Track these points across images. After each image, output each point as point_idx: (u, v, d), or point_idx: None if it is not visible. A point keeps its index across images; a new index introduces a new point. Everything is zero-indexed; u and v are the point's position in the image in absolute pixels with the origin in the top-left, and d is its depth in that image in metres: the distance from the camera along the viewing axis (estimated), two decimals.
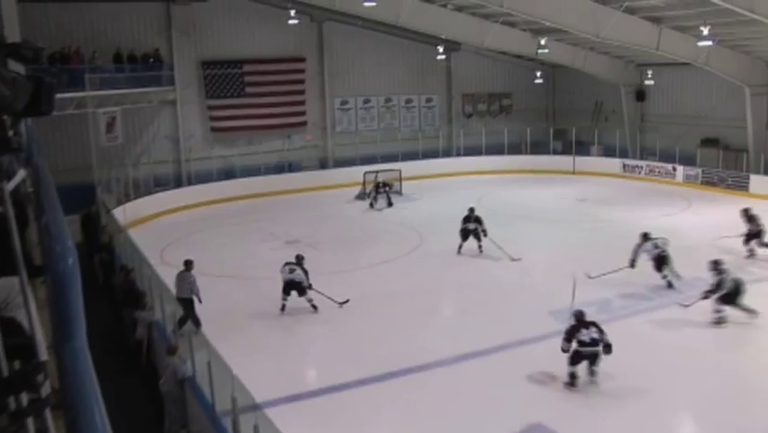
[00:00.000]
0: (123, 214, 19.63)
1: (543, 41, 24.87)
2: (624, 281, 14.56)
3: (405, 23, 26.77)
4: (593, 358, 10.04)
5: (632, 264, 14.48)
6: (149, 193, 23.56)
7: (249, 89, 28.27)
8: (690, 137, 27.05)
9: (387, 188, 24.57)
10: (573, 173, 29.24)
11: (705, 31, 19.50)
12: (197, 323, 12.18)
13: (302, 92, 29.51)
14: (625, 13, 21.37)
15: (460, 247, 16.98)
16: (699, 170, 25.86)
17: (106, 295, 14.01)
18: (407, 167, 27.26)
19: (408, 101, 32.36)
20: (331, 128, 30.65)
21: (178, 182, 26.32)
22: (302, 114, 29.63)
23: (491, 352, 11.41)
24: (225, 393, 7.73)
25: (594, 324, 10.16)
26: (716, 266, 12.34)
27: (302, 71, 29.37)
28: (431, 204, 23.93)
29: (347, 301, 13.82)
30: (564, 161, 29.78)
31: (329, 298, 13.59)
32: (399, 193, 25.49)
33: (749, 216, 16.11)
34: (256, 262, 17.38)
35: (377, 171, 25.87)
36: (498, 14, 24.97)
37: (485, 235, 16.78)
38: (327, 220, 22.34)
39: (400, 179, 25.88)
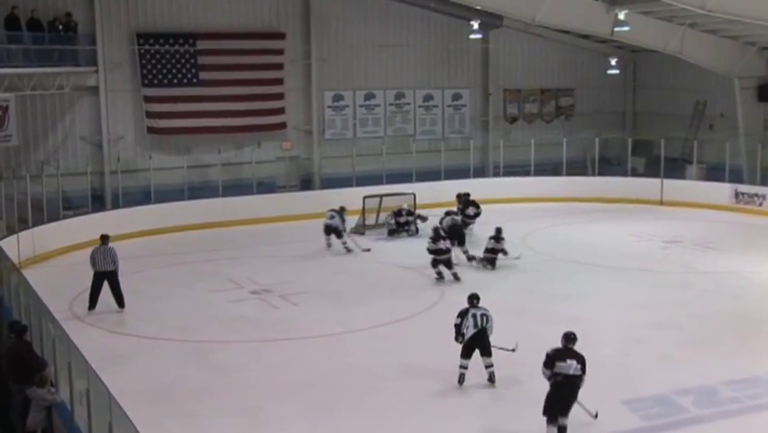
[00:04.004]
0: (16, 247, 19.49)
1: (621, 15, 24.97)
2: (731, 361, 14.34)
3: None
4: (447, 262, 19.34)
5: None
6: (56, 218, 23.46)
7: (204, 75, 28.42)
8: None
9: (415, 218, 24.78)
10: (661, 203, 29.16)
11: None
12: (121, 301, 17.45)
13: (279, 81, 29.65)
14: None
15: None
16: None
17: None
18: (425, 190, 27.15)
19: (428, 98, 32.51)
20: (318, 133, 30.73)
21: (98, 203, 26.29)
22: (278, 112, 29.73)
23: None
24: None
25: (446, 237, 19.62)
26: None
27: (280, 52, 29.54)
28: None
29: (368, 250, 22.81)
30: (648, 185, 29.73)
31: (356, 245, 22.78)
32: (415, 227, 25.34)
33: (473, 203, 24.37)
34: (208, 319, 17.21)
35: (381, 195, 25.79)
36: None
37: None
38: (310, 262, 22.20)
39: (414, 207, 25.75)
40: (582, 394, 12.56)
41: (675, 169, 30.55)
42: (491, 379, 13.23)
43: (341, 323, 16.82)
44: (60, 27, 25.46)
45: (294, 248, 23.56)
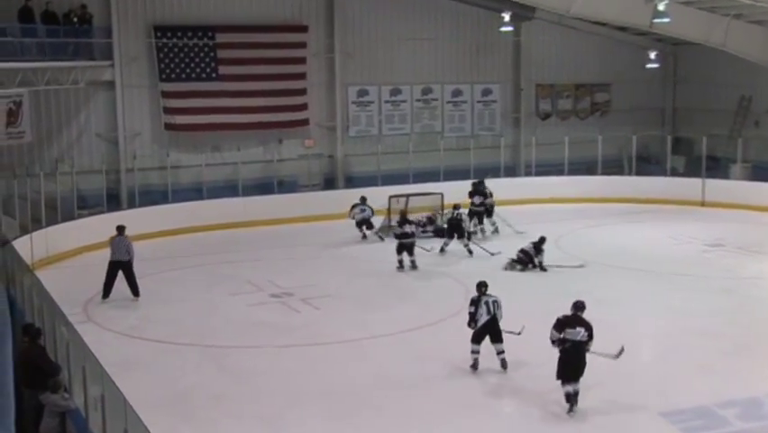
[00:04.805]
0: (29, 247, 19.63)
1: (661, 6, 24.78)
2: None
3: None
4: (410, 248, 20.97)
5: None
6: (70, 217, 23.67)
7: (223, 70, 28.54)
8: None
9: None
10: (702, 205, 28.99)
11: None
12: (136, 291, 18.57)
13: (302, 76, 29.72)
14: None
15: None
16: None
17: None
18: (453, 190, 27.03)
19: (456, 93, 32.48)
20: (342, 130, 30.77)
21: (114, 203, 26.46)
22: (301, 108, 29.80)
23: None
24: None
25: (412, 222, 21.76)
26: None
27: (302, 46, 29.61)
28: (485, 245, 23.72)
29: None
30: (689, 185, 29.57)
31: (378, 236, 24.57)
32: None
33: (479, 192, 24.81)
34: (227, 323, 17.29)
35: (408, 195, 25.79)
36: None
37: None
38: (333, 264, 22.32)
39: (442, 207, 25.76)
40: (619, 403, 12.58)
41: (718, 168, 30.36)
42: (504, 365, 14.01)
43: (363, 328, 16.82)
44: (75, 20, 25.62)
45: (316, 250, 23.62)
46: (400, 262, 21.10)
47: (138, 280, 18.66)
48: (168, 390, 13.68)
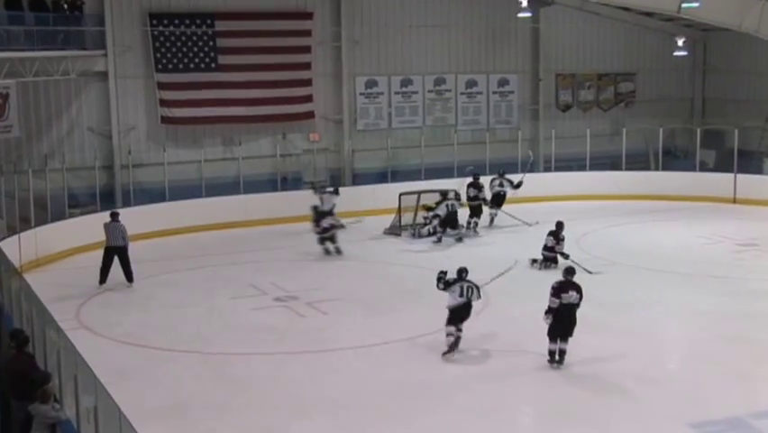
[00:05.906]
0: (17, 248, 19.69)
1: None
2: None
3: None
4: (332, 238, 22.82)
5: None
6: (61, 217, 23.70)
7: (223, 59, 28.58)
8: None
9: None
10: (734, 202, 28.96)
11: None
12: (130, 276, 19.75)
13: (306, 66, 29.76)
14: None
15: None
16: None
17: None
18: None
19: (471, 84, 32.51)
20: (350, 123, 30.79)
21: (108, 201, 26.44)
22: (306, 100, 29.84)
23: None
24: None
25: (331, 214, 23.24)
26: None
27: (307, 34, 29.64)
28: (503, 244, 23.70)
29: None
30: (720, 181, 29.54)
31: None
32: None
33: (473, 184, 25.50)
34: (228, 329, 17.29)
35: (419, 192, 25.84)
36: None
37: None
38: (340, 266, 22.30)
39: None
40: (646, 413, 12.51)
41: (750, 162, 30.31)
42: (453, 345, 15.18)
43: (374, 333, 16.78)
44: (66, 7, 25.71)
45: (322, 251, 23.60)
46: (326, 250, 22.96)
47: (134, 283, 19.13)
48: (165, 400, 13.67)
